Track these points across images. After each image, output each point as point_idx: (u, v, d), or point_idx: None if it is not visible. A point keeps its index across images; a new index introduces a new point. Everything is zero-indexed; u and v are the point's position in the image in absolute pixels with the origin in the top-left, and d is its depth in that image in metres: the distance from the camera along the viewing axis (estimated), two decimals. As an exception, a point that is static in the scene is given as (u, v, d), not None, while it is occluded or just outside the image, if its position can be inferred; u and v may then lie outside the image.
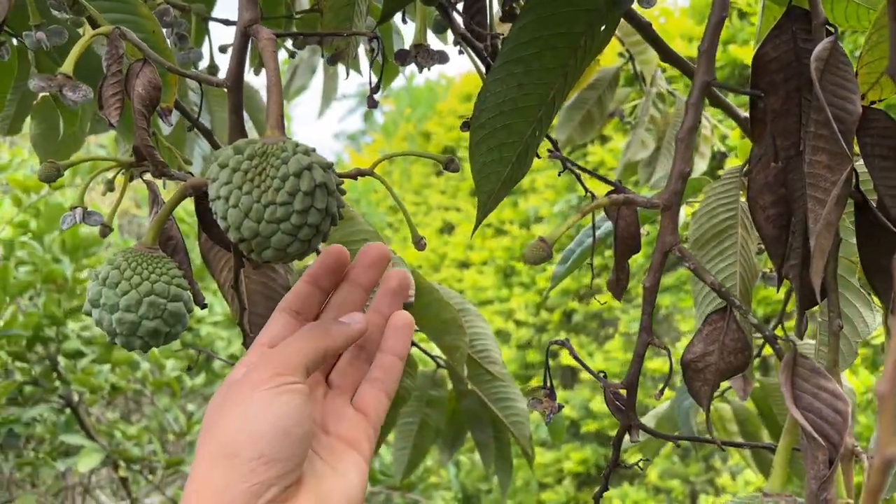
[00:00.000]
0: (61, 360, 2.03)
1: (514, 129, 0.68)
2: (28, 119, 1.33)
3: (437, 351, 1.23)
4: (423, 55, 0.65)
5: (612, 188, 0.58)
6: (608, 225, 1.12)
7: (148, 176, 0.74)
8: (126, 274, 0.62)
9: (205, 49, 1.04)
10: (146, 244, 0.65)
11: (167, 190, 0.84)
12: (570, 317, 4.15)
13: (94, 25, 0.78)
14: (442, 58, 0.66)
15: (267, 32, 0.55)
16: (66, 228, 0.71)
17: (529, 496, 2.72)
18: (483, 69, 0.74)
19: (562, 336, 4.13)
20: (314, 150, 0.54)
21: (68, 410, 2.10)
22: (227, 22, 0.88)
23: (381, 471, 2.40)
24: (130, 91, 0.58)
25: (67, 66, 0.57)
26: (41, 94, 1.32)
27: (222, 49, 0.99)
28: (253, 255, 0.53)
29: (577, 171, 0.86)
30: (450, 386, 1.23)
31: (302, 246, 0.53)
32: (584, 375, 3.94)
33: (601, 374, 0.57)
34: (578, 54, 0.68)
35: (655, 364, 3.64)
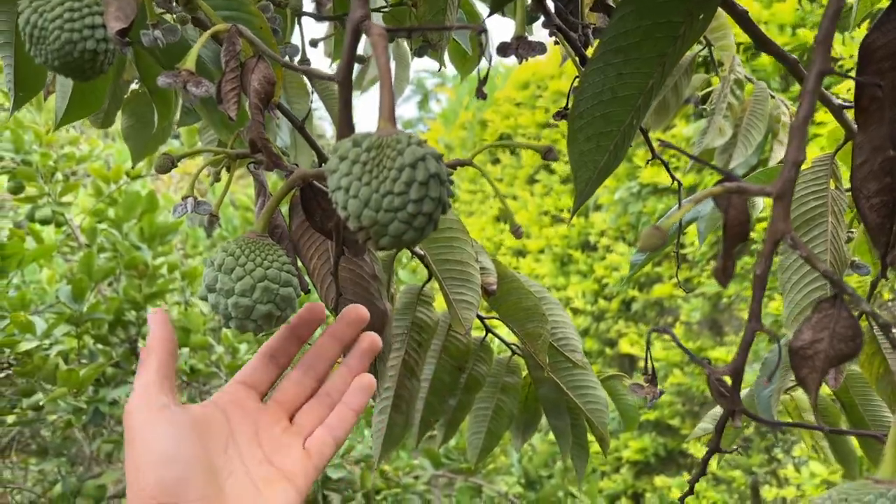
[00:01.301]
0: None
1: (613, 119, 0.69)
2: (119, 112, 1.39)
3: (511, 338, 1.25)
4: (524, 47, 0.66)
5: (724, 177, 0.59)
6: (692, 212, 1.12)
7: (253, 167, 0.77)
8: (240, 260, 0.66)
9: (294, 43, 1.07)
10: (257, 232, 0.68)
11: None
12: (629, 305, 4.12)
13: (199, 24, 0.82)
14: (541, 49, 0.68)
15: (378, 28, 0.58)
16: (177, 217, 0.75)
17: (592, 485, 2.73)
18: (576, 59, 0.75)
19: (621, 325, 4.10)
20: (425, 141, 0.57)
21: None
22: (318, 17, 0.91)
23: (445, 455, 2.43)
24: (247, 86, 0.61)
25: (189, 62, 0.61)
26: (131, 89, 1.38)
27: (313, 43, 1.01)
28: (370, 242, 0.56)
29: (691, 159, 0.87)
30: (524, 373, 1.25)
31: (416, 233, 0.56)
32: (643, 364, 3.91)
33: (706, 361, 0.58)
34: (677, 44, 0.68)
35: (718, 354, 3.60)
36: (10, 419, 2.05)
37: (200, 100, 1.05)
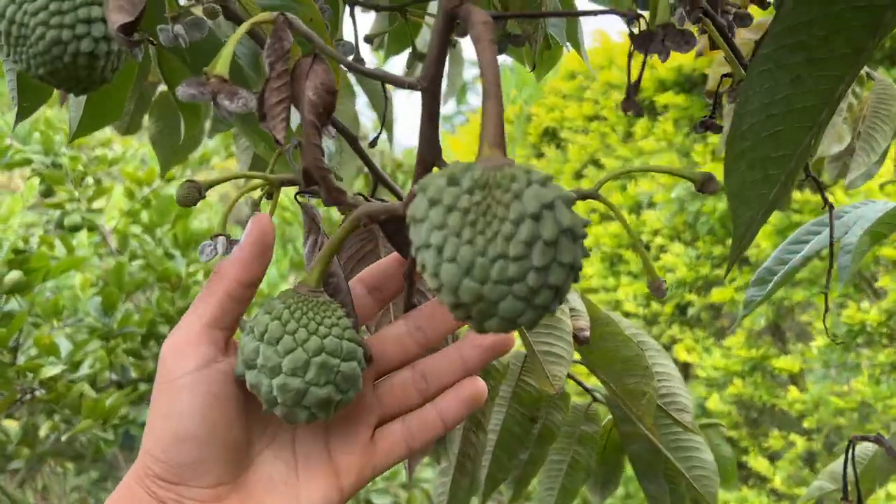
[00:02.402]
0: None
1: (786, 139, 0.52)
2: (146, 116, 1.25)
3: (590, 378, 1.09)
4: (671, 37, 0.49)
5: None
6: (816, 240, 0.93)
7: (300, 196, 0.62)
8: (289, 326, 0.50)
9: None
10: (309, 286, 0.52)
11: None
12: (684, 309, 3.91)
13: (233, 17, 0.66)
14: (689, 40, 0.51)
15: (482, 15, 0.41)
16: (205, 261, 0.60)
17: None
18: (730, 53, 0.58)
19: (675, 329, 3.89)
20: (550, 178, 0.40)
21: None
22: (378, 7, 0.75)
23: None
24: (299, 96, 0.45)
25: (221, 66, 0.44)
26: (159, 91, 1.23)
27: (368, 39, 0.86)
28: (471, 322, 0.40)
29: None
30: (604, 421, 1.08)
31: (536, 313, 0.39)
32: (700, 372, 3.70)
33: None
34: (878, 35, 0.51)
35: (783, 363, 3.38)
36: (43, 431, 1.95)
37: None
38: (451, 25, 0.44)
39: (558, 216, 0.36)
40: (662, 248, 3.99)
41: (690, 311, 3.85)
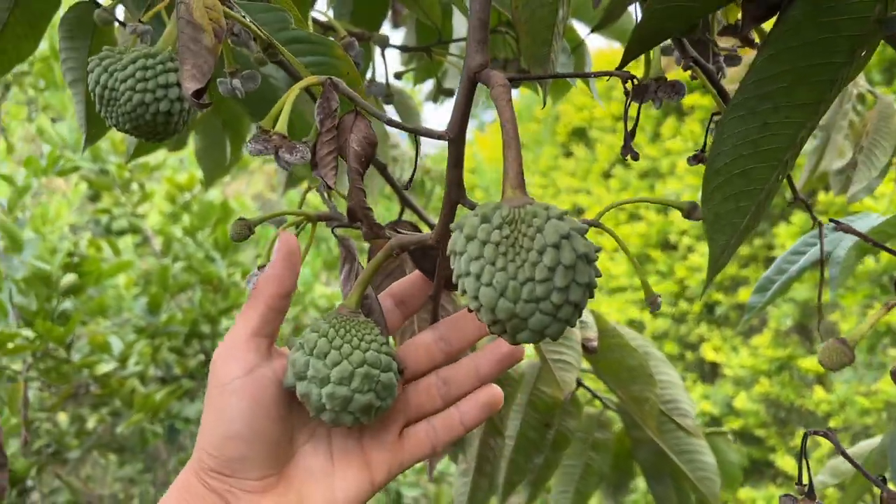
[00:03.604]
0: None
1: (755, 176, 0.59)
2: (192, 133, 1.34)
3: (603, 388, 1.15)
4: (664, 89, 0.57)
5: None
6: (811, 252, 0.99)
7: (339, 230, 0.70)
8: (335, 343, 0.58)
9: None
10: (350, 308, 0.60)
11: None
12: (712, 309, 3.94)
13: (282, 64, 0.74)
14: (682, 90, 0.58)
15: (500, 78, 0.49)
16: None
17: None
18: (716, 95, 0.65)
19: (703, 328, 3.92)
20: (566, 212, 0.48)
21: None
22: (406, 49, 0.83)
23: None
24: (345, 148, 0.53)
25: (281, 124, 0.53)
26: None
27: (397, 76, 0.93)
28: (506, 336, 0.48)
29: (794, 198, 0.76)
30: (615, 428, 1.15)
31: (560, 326, 0.47)
32: (727, 371, 3.74)
33: (880, 480, 0.48)
34: (835, 87, 0.58)
35: (809, 363, 3.41)
36: (92, 421, 2.06)
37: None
38: (475, 85, 0.52)
39: (574, 244, 0.44)
40: (690, 248, 4.03)
41: (718, 311, 3.88)
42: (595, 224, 0.64)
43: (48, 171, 2.06)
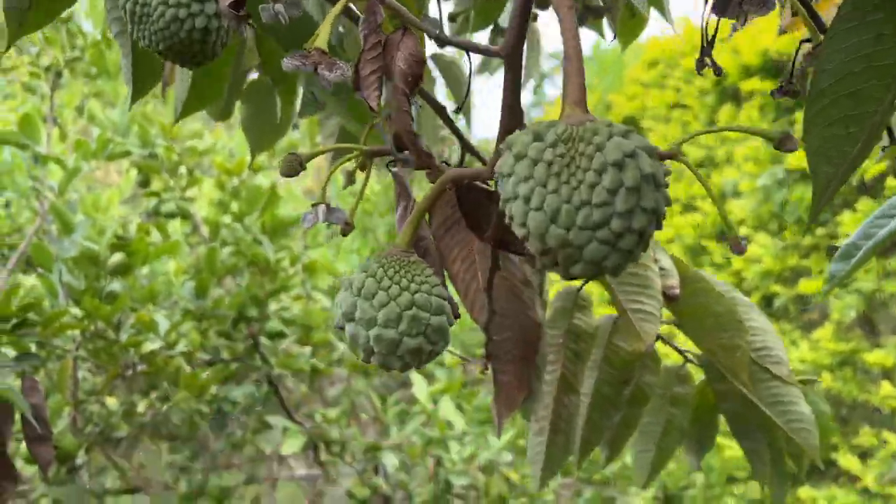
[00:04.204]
0: (263, 340, 2.06)
1: (867, 96, 0.52)
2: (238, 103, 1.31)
3: (682, 341, 1.10)
4: (750, 1, 0.50)
5: None
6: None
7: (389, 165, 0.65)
8: (383, 283, 0.53)
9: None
10: (401, 247, 0.55)
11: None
12: (770, 301, 3.80)
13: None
14: (767, 3, 0.52)
15: (567, -9, 0.43)
16: (307, 227, 0.64)
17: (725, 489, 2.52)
18: (808, 17, 0.58)
19: (760, 321, 3.80)
20: (632, 130, 0.42)
21: (266, 386, 2.15)
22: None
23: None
24: (391, 66, 0.48)
25: (321, 40, 0.48)
26: (250, 78, 1.29)
27: (451, 17, 0.88)
28: (557, 269, 0.42)
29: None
30: (696, 381, 1.09)
31: (621, 258, 0.41)
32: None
33: None
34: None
35: (875, 357, 3.25)
36: (142, 406, 2.06)
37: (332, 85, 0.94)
38: (530, 3, 0.47)
39: (640, 164, 0.38)
40: (747, 239, 3.90)
41: (776, 303, 3.74)
42: (671, 156, 0.57)
43: (98, 155, 2.06)
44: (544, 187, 0.40)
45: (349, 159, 0.64)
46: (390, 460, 1.88)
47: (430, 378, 2.48)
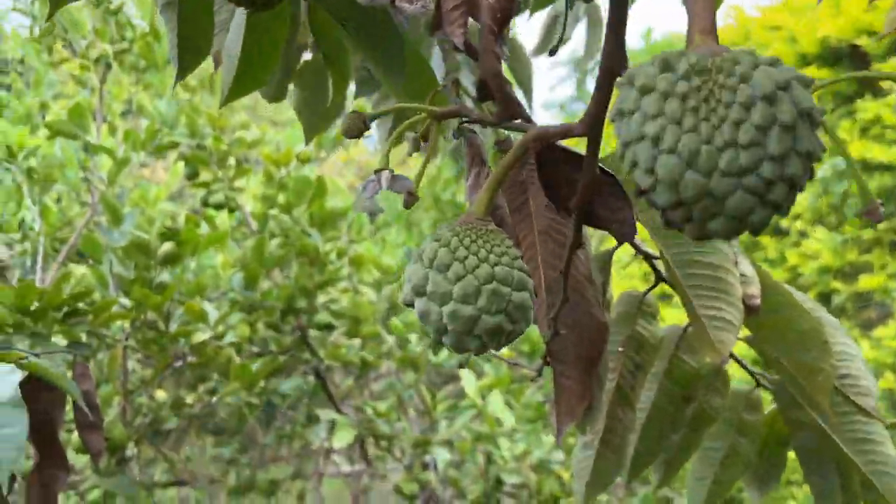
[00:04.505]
0: (312, 332, 2.04)
1: None
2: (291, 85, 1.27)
3: (749, 359, 1.02)
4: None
5: None
6: None
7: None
8: (459, 253, 0.48)
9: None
10: (477, 215, 0.50)
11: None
12: (828, 298, 3.67)
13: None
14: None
15: None
16: (368, 196, 0.59)
17: None
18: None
19: (819, 319, 3.66)
20: (779, 60, 0.36)
21: (313, 379, 2.12)
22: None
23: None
24: (478, 1, 0.43)
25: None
26: (304, 59, 1.26)
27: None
28: (690, 226, 0.36)
29: None
30: (767, 410, 1.01)
31: (768, 213, 0.34)
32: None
33: None
34: None
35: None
36: (190, 399, 2.05)
37: (381, 64, 0.89)
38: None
39: (795, 97, 0.32)
40: (803, 234, 3.76)
41: (835, 300, 3.60)
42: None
43: (146, 145, 2.05)
44: (678, 125, 0.33)
45: (414, 123, 0.59)
46: (441, 455, 1.84)
47: (478, 374, 2.43)
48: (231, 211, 2.33)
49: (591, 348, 0.79)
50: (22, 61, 3.05)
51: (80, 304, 1.52)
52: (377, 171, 0.58)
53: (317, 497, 2.76)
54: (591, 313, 0.78)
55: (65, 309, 1.52)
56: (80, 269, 1.83)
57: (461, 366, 2.24)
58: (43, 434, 1.04)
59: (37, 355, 1.00)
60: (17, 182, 2.39)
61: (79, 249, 2.09)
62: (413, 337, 2.13)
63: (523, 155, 0.48)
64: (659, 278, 0.84)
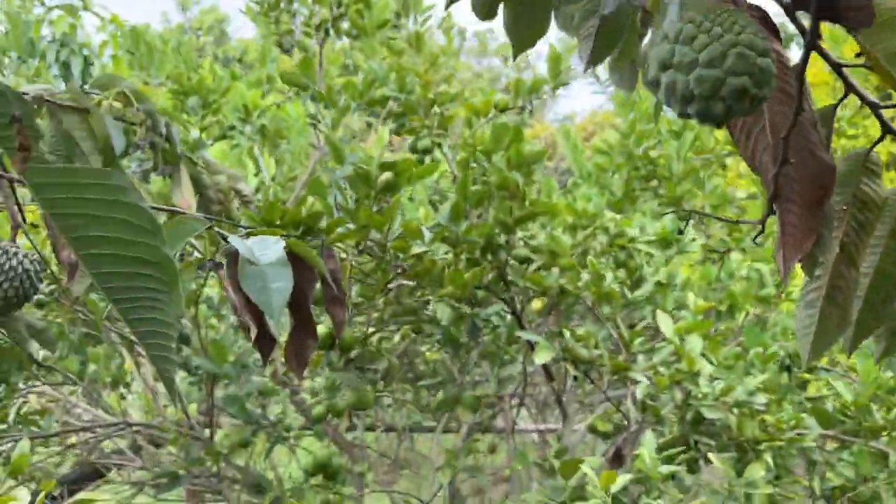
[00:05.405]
0: (509, 268, 2.14)
1: None
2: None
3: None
4: None
5: None
6: None
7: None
8: (704, 26, 0.54)
9: None
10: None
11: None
12: None
13: None
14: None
15: None
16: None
17: None
18: None
19: None
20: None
21: (510, 317, 2.23)
22: None
23: (841, 410, 2.13)
24: None
25: None
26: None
27: None
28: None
29: None
30: None
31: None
32: None
33: None
34: None
35: None
36: (396, 339, 2.24)
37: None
38: None
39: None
40: None
41: None
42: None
43: (364, 95, 2.25)
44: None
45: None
46: (641, 382, 1.87)
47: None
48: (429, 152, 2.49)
49: (817, 188, 0.81)
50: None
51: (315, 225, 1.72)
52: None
53: (510, 443, 2.87)
54: (816, 154, 0.81)
55: (302, 228, 1.73)
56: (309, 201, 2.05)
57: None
58: (298, 303, 1.21)
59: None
60: (252, 140, 2.71)
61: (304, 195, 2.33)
62: (608, 276, 2.17)
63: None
64: (886, 130, 0.84)
